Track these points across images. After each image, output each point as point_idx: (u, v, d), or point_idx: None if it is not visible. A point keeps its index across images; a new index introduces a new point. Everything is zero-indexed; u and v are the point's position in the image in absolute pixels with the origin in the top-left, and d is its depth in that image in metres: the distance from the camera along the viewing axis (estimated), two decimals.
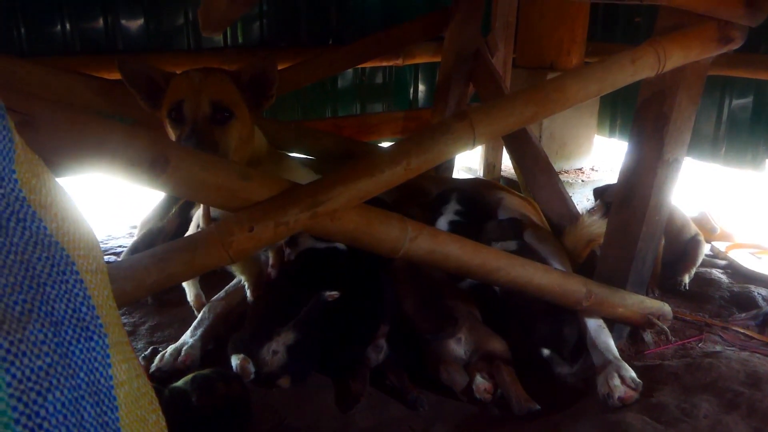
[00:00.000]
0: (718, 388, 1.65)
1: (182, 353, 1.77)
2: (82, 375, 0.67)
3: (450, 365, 1.73)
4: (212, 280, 2.15)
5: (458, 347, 1.77)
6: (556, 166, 2.92)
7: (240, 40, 3.43)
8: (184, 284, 2.11)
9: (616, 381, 1.65)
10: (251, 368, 1.61)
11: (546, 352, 1.79)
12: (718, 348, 1.96)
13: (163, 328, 2.08)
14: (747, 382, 1.67)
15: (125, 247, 2.60)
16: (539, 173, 2.50)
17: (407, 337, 1.83)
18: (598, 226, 2.17)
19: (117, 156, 1.17)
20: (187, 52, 3.29)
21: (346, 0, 3.65)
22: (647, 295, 2.00)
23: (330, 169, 1.80)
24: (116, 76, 2.04)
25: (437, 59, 3.21)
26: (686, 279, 2.38)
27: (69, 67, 2.35)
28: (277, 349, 1.63)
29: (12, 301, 0.63)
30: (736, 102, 3.42)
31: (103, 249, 2.69)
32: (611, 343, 1.81)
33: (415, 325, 1.84)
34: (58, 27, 2.99)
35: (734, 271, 2.54)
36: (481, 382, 1.68)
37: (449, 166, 3.15)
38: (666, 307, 1.94)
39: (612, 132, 4.12)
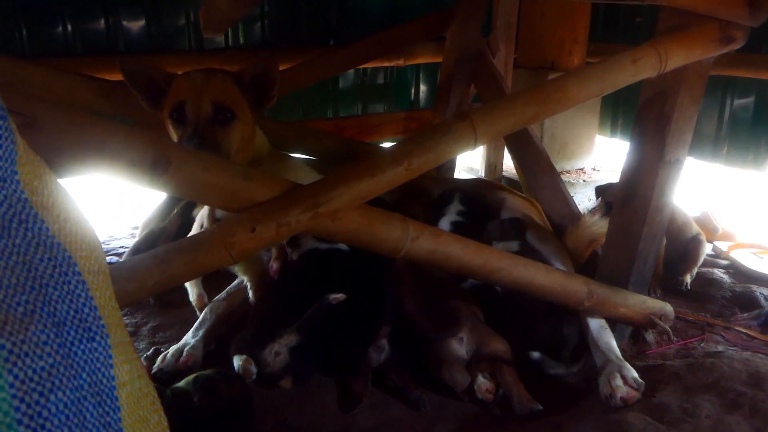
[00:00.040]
0: (720, 388, 1.65)
1: (184, 354, 1.77)
2: (84, 375, 0.67)
3: (452, 365, 1.73)
4: (215, 281, 2.15)
5: (460, 347, 1.76)
6: (558, 167, 2.92)
7: (241, 40, 3.44)
8: (187, 285, 2.11)
9: (618, 381, 1.65)
10: (253, 369, 1.61)
11: (536, 355, 1.78)
12: (720, 348, 1.96)
13: (165, 328, 2.08)
14: (749, 382, 1.67)
15: (127, 248, 2.61)
16: (541, 173, 2.50)
17: (409, 337, 1.83)
18: (599, 227, 2.17)
19: (118, 157, 1.17)
20: (188, 53, 3.30)
21: (347, 0, 3.65)
22: (649, 295, 1.99)
23: (332, 169, 1.80)
24: (118, 77, 2.05)
25: (438, 59, 3.21)
26: (688, 279, 2.37)
27: (70, 68, 2.36)
28: (279, 350, 1.63)
29: (14, 302, 0.63)
30: (737, 102, 3.41)
31: (104, 250, 2.69)
32: (613, 343, 1.81)
33: (417, 325, 1.83)
34: (60, 28, 2.99)
35: (736, 271, 2.54)
36: (483, 382, 1.68)
37: (451, 166, 3.15)
38: (668, 307, 1.93)
39: (613, 132, 4.12)
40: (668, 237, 2.29)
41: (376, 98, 3.99)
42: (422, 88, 4.11)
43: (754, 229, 2.98)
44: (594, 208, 2.42)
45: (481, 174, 3.56)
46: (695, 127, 1.85)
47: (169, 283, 1.31)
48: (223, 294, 2.01)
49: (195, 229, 2.16)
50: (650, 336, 2.00)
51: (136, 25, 3.17)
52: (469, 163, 3.91)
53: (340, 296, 1.68)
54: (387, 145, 3.49)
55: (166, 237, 2.28)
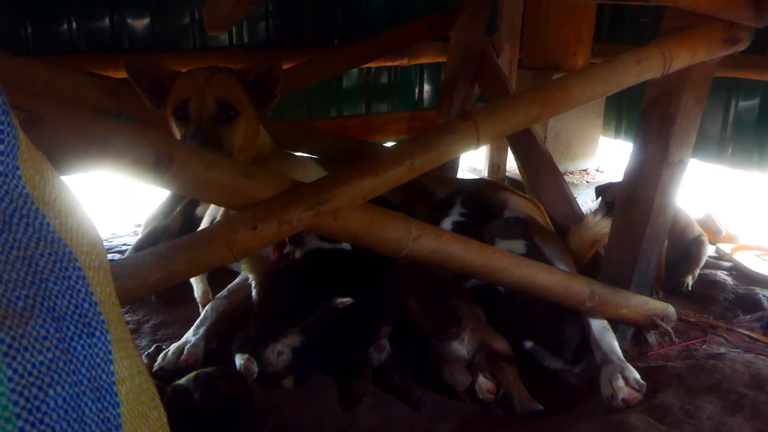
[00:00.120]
0: (722, 390, 1.65)
1: (185, 352, 1.77)
2: (83, 371, 0.67)
3: (453, 365, 1.73)
4: (218, 278, 2.16)
5: (461, 347, 1.76)
6: (561, 167, 2.91)
7: (245, 39, 3.44)
8: (192, 280, 2.11)
9: (620, 382, 1.65)
10: (255, 368, 1.61)
11: (529, 344, 1.77)
12: (722, 350, 1.96)
13: (167, 326, 2.09)
14: (751, 384, 1.67)
15: (129, 245, 2.61)
16: (544, 174, 2.50)
17: (410, 336, 1.83)
18: (602, 227, 2.17)
19: (122, 154, 1.18)
20: (192, 52, 3.31)
21: (351, 0, 3.65)
22: (651, 296, 1.99)
23: (335, 169, 1.80)
24: (122, 75, 2.05)
25: (443, 59, 3.20)
26: (689, 280, 2.37)
27: (75, 66, 2.37)
28: (282, 350, 1.63)
29: (14, 296, 0.63)
30: (742, 103, 3.40)
31: (107, 247, 2.70)
32: (615, 344, 1.81)
33: (419, 325, 1.84)
34: (65, 26, 3.00)
35: (739, 272, 2.53)
36: (483, 382, 1.68)
37: (454, 166, 3.15)
38: (670, 309, 1.93)
39: (617, 133, 4.11)
40: (670, 238, 2.28)
41: (379, 98, 3.99)
42: (426, 87, 4.11)
43: (758, 231, 2.97)
44: (596, 209, 2.42)
45: (484, 174, 3.55)
46: (700, 129, 1.84)
47: (171, 281, 1.31)
48: (224, 292, 2.01)
49: (204, 226, 2.16)
50: (652, 337, 1.99)
51: (140, 23, 3.17)
52: (473, 164, 3.91)
53: (347, 300, 1.68)
54: (390, 144, 3.48)
55: (168, 235, 2.29)
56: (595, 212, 2.33)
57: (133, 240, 2.66)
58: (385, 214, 1.49)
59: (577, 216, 2.36)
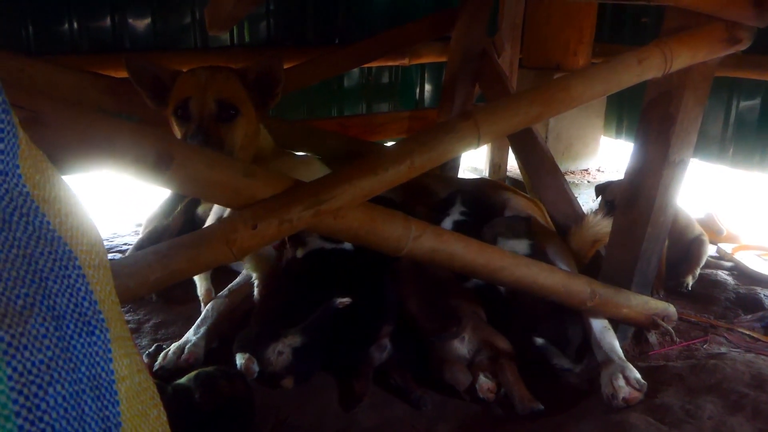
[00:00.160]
0: (722, 390, 1.65)
1: (185, 351, 1.77)
2: (83, 369, 0.67)
3: (453, 364, 1.73)
4: (221, 277, 2.16)
5: (462, 346, 1.76)
6: (562, 167, 2.91)
7: (247, 39, 3.44)
8: (195, 278, 2.11)
9: (621, 382, 1.65)
10: (255, 368, 1.61)
11: (539, 341, 1.77)
12: (723, 349, 1.95)
13: (168, 325, 2.09)
14: (752, 384, 1.67)
15: (130, 245, 2.62)
16: (545, 174, 2.49)
17: (411, 336, 1.83)
18: (603, 227, 2.16)
19: (122, 153, 1.18)
20: (193, 51, 3.31)
21: (352, 0, 3.65)
22: (652, 296, 1.99)
23: (335, 168, 1.80)
24: (123, 74, 2.05)
25: (444, 59, 3.20)
26: (689, 280, 2.37)
27: (76, 65, 2.37)
28: (282, 350, 1.63)
29: (14, 294, 0.64)
30: (744, 103, 3.40)
31: (108, 247, 2.70)
32: (616, 343, 1.81)
33: (420, 325, 1.84)
34: (66, 26, 3.00)
35: (740, 272, 2.53)
36: (484, 381, 1.68)
37: (455, 165, 3.15)
38: (671, 308, 1.93)
39: (618, 133, 4.11)
40: (670, 238, 2.28)
41: (380, 97, 3.99)
42: (427, 87, 4.11)
43: (759, 231, 2.97)
44: (597, 209, 2.42)
45: (485, 174, 3.55)
46: (701, 129, 1.84)
47: (171, 279, 1.31)
48: (225, 291, 2.01)
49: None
50: (653, 337, 1.99)
51: (142, 23, 3.17)
52: (474, 163, 3.91)
53: (347, 300, 1.68)
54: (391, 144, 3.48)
55: (169, 234, 2.29)
56: (595, 212, 2.33)
57: (134, 240, 2.66)
58: (385, 213, 1.49)
59: (578, 216, 2.36)
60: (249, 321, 1.86)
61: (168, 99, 2.02)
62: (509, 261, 1.68)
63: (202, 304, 2.04)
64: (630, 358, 1.84)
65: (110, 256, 2.56)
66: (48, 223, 0.73)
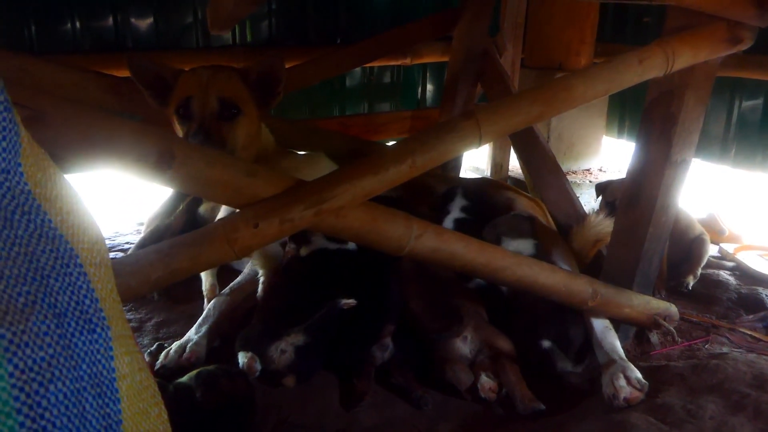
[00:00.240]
0: (724, 390, 1.65)
1: (187, 350, 1.77)
2: (84, 367, 0.67)
3: (455, 364, 1.73)
4: (221, 276, 2.16)
5: (464, 346, 1.76)
6: (564, 167, 2.91)
7: (248, 38, 3.44)
8: (201, 273, 2.11)
9: (622, 381, 1.64)
10: (258, 366, 1.61)
11: (547, 343, 1.77)
12: (724, 349, 1.95)
13: (170, 324, 2.09)
14: (753, 384, 1.66)
15: (132, 243, 2.62)
16: (547, 173, 2.49)
17: (413, 335, 1.83)
18: (605, 227, 2.16)
19: (124, 152, 1.18)
20: (195, 50, 3.31)
21: None
22: (654, 296, 1.99)
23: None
24: (125, 73, 2.06)
25: (445, 59, 3.20)
26: (690, 280, 2.36)
27: (79, 64, 2.37)
28: (285, 348, 1.63)
29: (16, 292, 0.64)
30: (746, 103, 3.40)
31: (110, 246, 2.71)
32: (617, 343, 1.81)
33: (422, 324, 1.84)
34: (68, 25, 3.00)
35: (742, 272, 2.53)
36: (485, 381, 1.68)
37: (456, 165, 3.14)
38: (672, 308, 1.93)
39: (620, 133, 4.10)
40: (671, 238, 2.28)
41: (382, 97, 3.99)
42: (429, 87, 4.11)
43: (761, 231, 2.96)
44: (598, 209, 2.42)
45: (487, 174, 3.55)
46: (703, 129, 1.84)
47: (172, 278, 1.31)
48: (226, 290, 2.02)
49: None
50: (654, 337, 1.99)
51: (144, 22, 3.18)
52: (475, 163, 3.91)
53: (351, 302, 1.68)
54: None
55: (171, 233, 2.29)
56: (597, 212, 2.33)
57: (135, 238, 2.67)
58: (386, 212, 1.49)
59: (580, 215, 2.36)
60: (251, 319, 1.86)
61: (170, 98, 2.03)
62: (510, 261, 1.68)
63: (206, 300, 2.04)
64: (631, 358, 1.84)
65: (112, 254, 2.56)
66: (50, 221, 0.73)
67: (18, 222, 0.69)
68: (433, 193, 2.54)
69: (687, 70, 1.69)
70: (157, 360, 1.77)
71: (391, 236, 1.49)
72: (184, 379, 1.52)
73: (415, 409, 1.67)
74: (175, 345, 1.80)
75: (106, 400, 0.70)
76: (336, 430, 1.59)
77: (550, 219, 2.46)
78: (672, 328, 1.92)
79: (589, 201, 3.27)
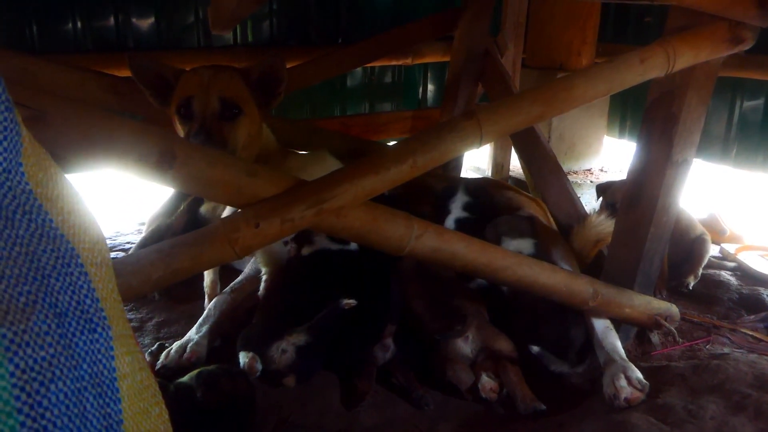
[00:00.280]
0: (725, 390, 1.64)
1: (188, 350, 1.78)
2: (85, 366, 0.67)
3: (456, 364, 1.73)
4: (223, 276, 2.16)
5: (465, 346, 1.77)
6: (565, 167, 2.91)
7: (250, 38, 3.44)
8: None
9: (623, 382, 1.64)
10: (259, 366, 1.61)
11: (535, 349, 1.77)
12: (725, 350, 1.95)
13: (170, 324, 2.09)
14: (755, 384, 1.66)
15: (133, 243, 2.62)
16: (548, 173, 2.49)
17: (413, 335, 1.83)
18: (605, 227, 2.16)
19: (125, 151, 1.18)
20: (197, 50, 3.31)
21: None
22: (655, 296, 1.99)
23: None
24: (127, 73, 2.06)
25: (447, 59, 3.20)
26: (691, 280, 2.36)
27: (80, 64, 2.37)
28: (286, 348, 1.63)
29: (17, 292, 0.64)
30: (747, 104, 3.40)
31: (111, 246, 2.71)
32: (618, 343, 1.81)
33: (424, 324, 1.84)
34: (70, 25, 3.01)
35: (743, 273, 2.53)
36: (487, 381, 1.68)
37: (457, 165, 3.15)
38: (673, 309, 1.93)
39: (622, 133, 4.10)
40: (672, 238, 2.28)
41: (383, 97, 3.99)
42: (430, 87, 4.11)
43: (762, 231, 2.96)
44: (599, 209, 2.42)
45: (488, 173, 3.55)
46: (704, 129, 1.84)
47: (173, 278, 1.32)
48: (227, 289, 2.02)
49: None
50: (655, 337, 1.99)
51: (145, 22, 3.18)
52: (476, 163, 3.91)
53: (353, 302, 1.68)
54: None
55: (172, 233, 2.29)
56: (598, 212, 2.32)
57: (136, 238, 2.67)
58: (387, 212, 1.49)
59: (581, 215, 2.35)
60: (252, 319, 1.86)
61: (171, 98, 2.03)
62: (511, 260, 1.68)
63: (207, 297, 2.04)
64: (632, 358, 1.84)
65: (113, 254, 2.56)
66: (51, 220, 0.73)
67: (19, 222, 0.69)
68: (434, 193, 2.54)
69: (688, 70, 1.69)
70: (158, 360, 1.77)
71: (391, 236, 1.49)
72: (185, 378, 1.52)
73: (416, 409, 1.67)
74: (175, 345, 1.81)
75: (107, 399, 0.70)
76: (337, 430, 1.59)
77: (551, 219, 2.45)
78: (673, 329, 1.92)
79: (590, 201, 3.26)
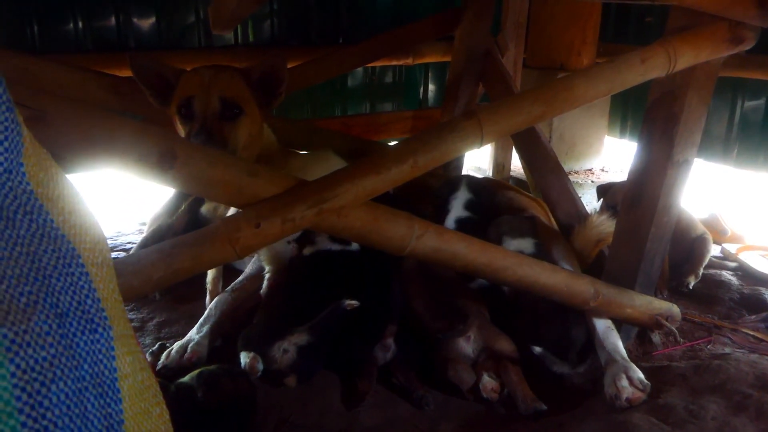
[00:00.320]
0: (726, 390, 1.64)
1: (188, 350, 1.78)
2: (86, 366, 0.67)
3: (458, 364, 1.73)
4: (228, 273, 2.16)
5: (467, 346, 1.76)
6: (566, 167, 2.91)
7: (251, 38, 3.44)
8: None
9: (624, 382, 1.64)
10: (260, 366, 1.61)
11: (538, 349, 1.77)
12: (726, 350, 1.95)
13: (171, 324, 2.09)
14: (756, 384, 1.66)
15: (134, 243, 2.62)
16: (548, 173, 2.49)
17: (415, 335, 1.83)
18: (606, 227, 2.16)
19: (125, 151, 1.18)
20: (197, 50, 3.31)
21: None
22: (656, 296, 1.99)
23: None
24: (127, 73, 2.06)
25: (447, 59, 3.20)
26: (692, 280, 2.36)
27: (81, 64, 2.37)
28: (288, 348, 1.63)
29: (18, 292, 0.64)
30: (748, 104, 3.40)
31: (112, 246, 2.71)
32: (619, 343, 1.80)
33: (425, 324, 1.84)
34: (71, 25, 3.01)
35: (744, 273, 2.52)
36: (488, 381, 1.68)
37: (458, 165, 3.14)
38: (674, 309, 1.92)
39: (623, 133, 4.10)
40: (673, 238, 2.27)
41: (384, 97, 3.99)
42: (431, 87, 4.11)
43: (763, 231, 2.96)
44: (600, 209, 2.42)
45: (489, 173, 3.55)
46: (705, 129, 1.84)
47: (174, 278, 1.31)
48: (228, 289, 2.02)
49: None
50: (656, 337, 1.99)
51: (146, 22, 3.18)
52: (477, 163, 3.91)
53: (354, 303, 1.68)
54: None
55: (173, 233, 2.29)
56: (599, 212, 2.32)
57: (137, 238, 2.67)
58: (388, 212, 1.49)
59: (582, 215, 2.35)
60: (252, 319, 1.86)
61: (171, 98, 2.03)
62: (512, 260, 1.68)
63: (208, 293, 2.04)
64: (633, 358, 1.84)
65: (114, 254, 2.56)
66: (51, 220, 0.73)
67: (20, 222, 0.69)
68: (434, 193, 2.54)
69: (689, 70, 1.69)
70: (159, 360, 1.77)
71: (392, 236, 1.49)
72: (186, 379, 1.52)
73: (417, 409, 1.67)
74: (176, 345, 1.81)
75: (108, 400, 0.70)
76: (337, 429, 1.59)
77: (552, 219, 2.45)
78: (674, 329, 1.92)
79: (591, 201, 3.26)
